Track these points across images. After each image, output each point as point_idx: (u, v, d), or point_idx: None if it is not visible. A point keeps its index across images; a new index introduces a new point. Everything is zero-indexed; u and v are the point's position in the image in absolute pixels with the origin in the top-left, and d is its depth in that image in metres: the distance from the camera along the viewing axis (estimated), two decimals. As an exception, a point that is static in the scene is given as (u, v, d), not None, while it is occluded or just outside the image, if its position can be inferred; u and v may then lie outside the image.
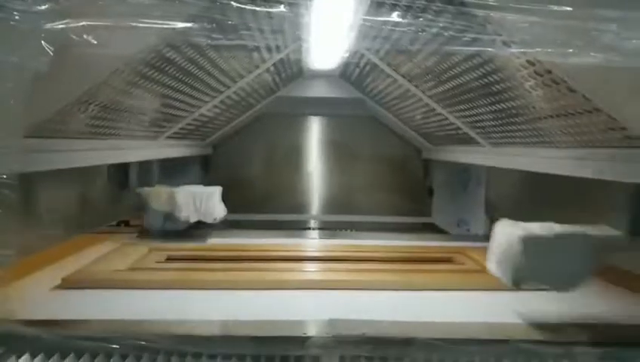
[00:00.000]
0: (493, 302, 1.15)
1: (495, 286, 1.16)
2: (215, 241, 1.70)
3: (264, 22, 0.93)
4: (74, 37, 0.55)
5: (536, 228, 0.97)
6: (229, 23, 0.72)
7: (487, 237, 1.82)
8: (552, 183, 1.33)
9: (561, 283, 0.98)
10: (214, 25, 0.68)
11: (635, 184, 0.96)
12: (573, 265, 0.96)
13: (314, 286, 1.23)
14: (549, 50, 0.64)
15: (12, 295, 1.06)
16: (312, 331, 0.92)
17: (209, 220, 1.70)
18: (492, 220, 1.98)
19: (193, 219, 1.69)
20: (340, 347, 0.89)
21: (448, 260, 1.55)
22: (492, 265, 1.03)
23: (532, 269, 0.95)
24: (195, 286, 1.19)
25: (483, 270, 1.35)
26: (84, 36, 0.56)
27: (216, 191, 1.74)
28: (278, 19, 0.94)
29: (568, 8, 0.49)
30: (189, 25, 0.65)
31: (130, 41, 0.66)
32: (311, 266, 1.46)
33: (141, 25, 0.56)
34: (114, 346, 0.85)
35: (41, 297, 1.09)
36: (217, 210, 1.72)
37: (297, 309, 1.11)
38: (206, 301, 1.11)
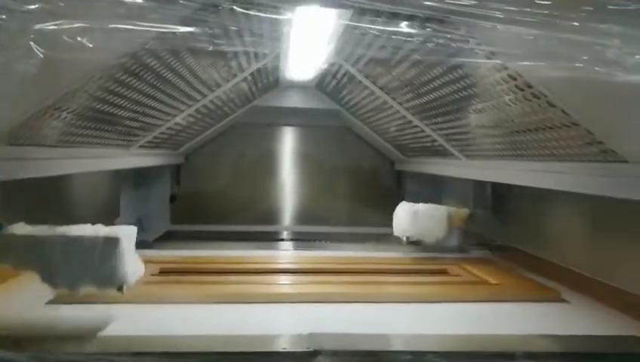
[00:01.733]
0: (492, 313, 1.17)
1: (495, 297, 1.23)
2: (185, 253, 1.66)
3: (245, 30, 0.91)
4: (67, 39, 0.52)
5: (420, 206, 1.76)
6: (213, 30, 0.70)
7: (459, 248, 1.87)
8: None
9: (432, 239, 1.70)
10: (201, 30, 0.67)
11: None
12: (438, 227, 1.68)
13: (291, 299, 1.21)
14: (532, 63, 0.65)
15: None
16: (291, 346, 0.90)
17: (108, 285, 0.95)
18: (466, 231, 2.02)
19: (80, 288, 0.94)
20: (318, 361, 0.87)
21: (444, 272, 1.56)
22: (396, 231, 1.80)
23: (414, 229, 1.73)
24: (202, 300, 1.17)
25: (480, 282, 1.38)
26: (78, 38, 0.53)
27: (127, 234, 0.96)
28: (258, 28, 0.92)
29: (555, 20, 0.50)
30: (178, 29, 0.62)
31: (118, 45, 0.64)
32: (287, 278, 1.44)
33: (134, 27, 0.53)
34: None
35: (37, 312, 1.06)
36: (128, 268, 0.95)
37: (275, 323, 1.09)
38: (185, 316, 1.08)
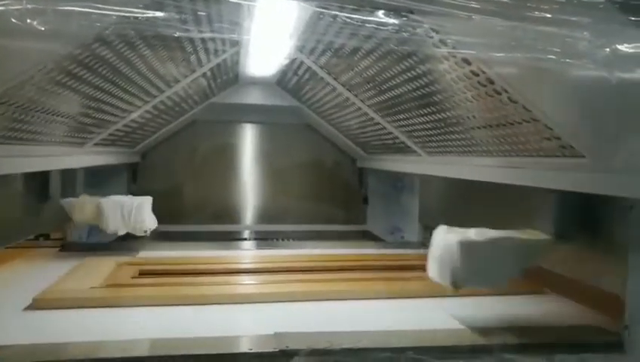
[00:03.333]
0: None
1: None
2: (143, 255, 1.61)
3: (205, 19, 0.88)
4: (14, 21, 0.48)
5: (472, 233, 1.04)
6: (173, 15, 0.67)
7: (420, 244, 1.89)
8: (481, 190, 1.42)
9: (495, 284, 1.10)
10: (162, 15, 0.63)
11: (557, 190, 1.05)
12: (505, 266, 1.04)
13: (255, 299, 1.19)
14: (500, 54, 0.65)
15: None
16: (257, 346, 0.88)
17: (139, 233, 1.61)
18: (425, 227, 2.05)
19: (122, 232, 1.58)
20: (287, 361, 0.85)
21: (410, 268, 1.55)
22: (432, 270, 1.08)
23: (469, 272, 1.00)
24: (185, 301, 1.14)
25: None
26: (28, 21, 0.48)
27: (146, 201, 1.64)
28: (218, 17, 0.89)
29: (526, 12, 0.50)
30: (140, 13, 0.59)
31: (74, 30, 0.59)
32: (250, 278, 1.41)
33: (92, 10, 0.50)
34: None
35: (15, 319, 1.00)
36: (147, 221, 1.62)
37: (239, 324, 1.07)
38: (145, 319, 1.04)
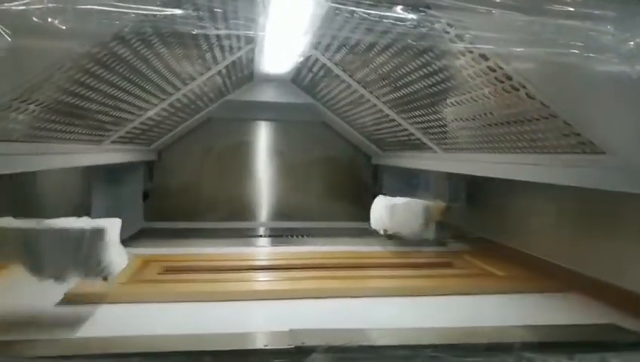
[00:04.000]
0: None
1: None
2: (159, 251, 1.62)
3: (220, 19, 0.88)
4: (36, 20, 0.48)
5: (397, 200, 1.77)
6: (189, 12, 0.67)
7: (437, 242, 1.88)
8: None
9: (409, 232, 1.71)
10: (179, 13, 0.64)
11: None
12: (415, 221, 1.68)
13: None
14: (519, 49, 0.64)
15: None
16: (273, 343, 0.88)
17: (94, 275, 0.97)
18: (442, 225, 2.04)
19: (67, 277, 0.97)
20: (303, 358, 0.85)
21: (448, 265, 1.56)
22: (373, 223, 1.85)
23: (392, 223, 1.73)
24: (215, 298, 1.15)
25: (487, 274, 1.38)
26: (49, 20, 0.49)
27: (111, 226, 0.99)
28: (233, 17, 0.89)
29: (546, 6, 0.49)
30: (157, 11, 0.59)
31: (93, 28, 0.60)
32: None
33: (111, 9, 0.50)
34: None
35: (51, 313, 1.03)
36: (112, 260, 0.98)
37: (255, 320, 1.08)
38: (163, 315, 1.05)
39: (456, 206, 1.90)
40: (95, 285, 1.03)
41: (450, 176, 1.97)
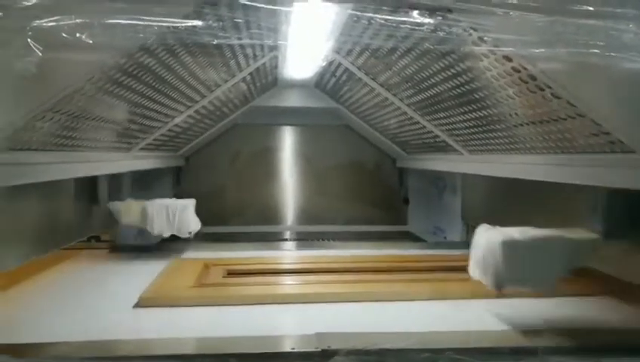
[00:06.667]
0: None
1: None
2: (191, 255, 1.65)
3: (243, 29, 0.90)
4: (66, 35, 0.51)
5: (515, 232, 1.00)
6: (212, 23, 0.69)
7: (464, 244, 1.86)
8: (525, 188, 1.40)
9: (540, 285, 1.03)
10: (202, 24, 0.65)
11: (606, 188, 1.04)
12: (551, 267, 1.00)
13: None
14: (542, 50, 0.64)
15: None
16: (300, 346, 0.89)
17: (183, 235, 1.64)
18: (468, 227, 2.01)
19: (167, 234, 1.63)
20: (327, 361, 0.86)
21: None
22: (474, 270, 1.05)
23: (512, 272, 0.97)
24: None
25: None
26: (77, 35, 0.51)
27: (190, 203, 1.67)
28: (256, 24, 0.91)
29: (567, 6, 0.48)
30: (180, 23, 0.61)
31: (119, 41, 0.62)
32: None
33: (135, 22, 0.52)
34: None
35: (130, 316, 1.07)
36: (192, 223, 1.66)
37: (282, 324, 1.09)
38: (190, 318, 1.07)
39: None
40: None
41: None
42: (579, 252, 1.02)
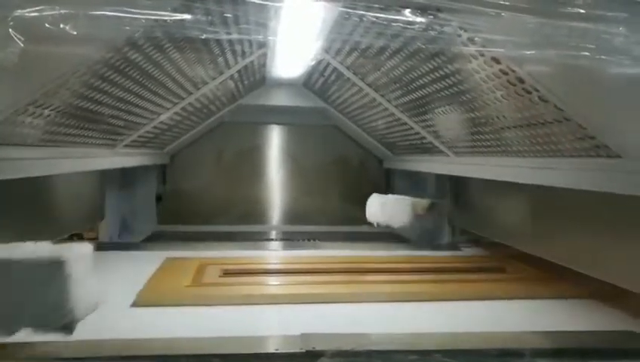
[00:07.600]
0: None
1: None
2: (169, 255, 1.62)
3: (231, 24, 0.89)
4: (48, 26, 0.49)
5: (390, 197, 2.04)
6: (201, 17, 0.68)
7: (450, 246, 1.87)
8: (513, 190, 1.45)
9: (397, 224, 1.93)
10: (190, 17, 0.64)
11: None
12: (402, 215, 1.91)
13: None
14: (531, 52, 0.64)
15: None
16: (283, 347, 0.88)
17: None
18: (454, 228, 2.02)
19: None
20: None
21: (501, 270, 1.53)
22: (369, 216, 2.02)
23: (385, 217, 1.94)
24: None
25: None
26: (61, 26, 0.50)
27: (81, 255, 0.78)
28: (244, 22, 0.90)
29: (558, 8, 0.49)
30: (168, 16, 0.60)
31: (105, 33, 0.61)
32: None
33: (122, 14, 0.51)
34: None
35: (127, 316, 1.06)
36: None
37: (266, 324, 1.08)
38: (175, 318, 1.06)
39: (440, 203, 2.02)
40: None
41: (439, 177, 2.07)
42: (418, 207, 1.89)
